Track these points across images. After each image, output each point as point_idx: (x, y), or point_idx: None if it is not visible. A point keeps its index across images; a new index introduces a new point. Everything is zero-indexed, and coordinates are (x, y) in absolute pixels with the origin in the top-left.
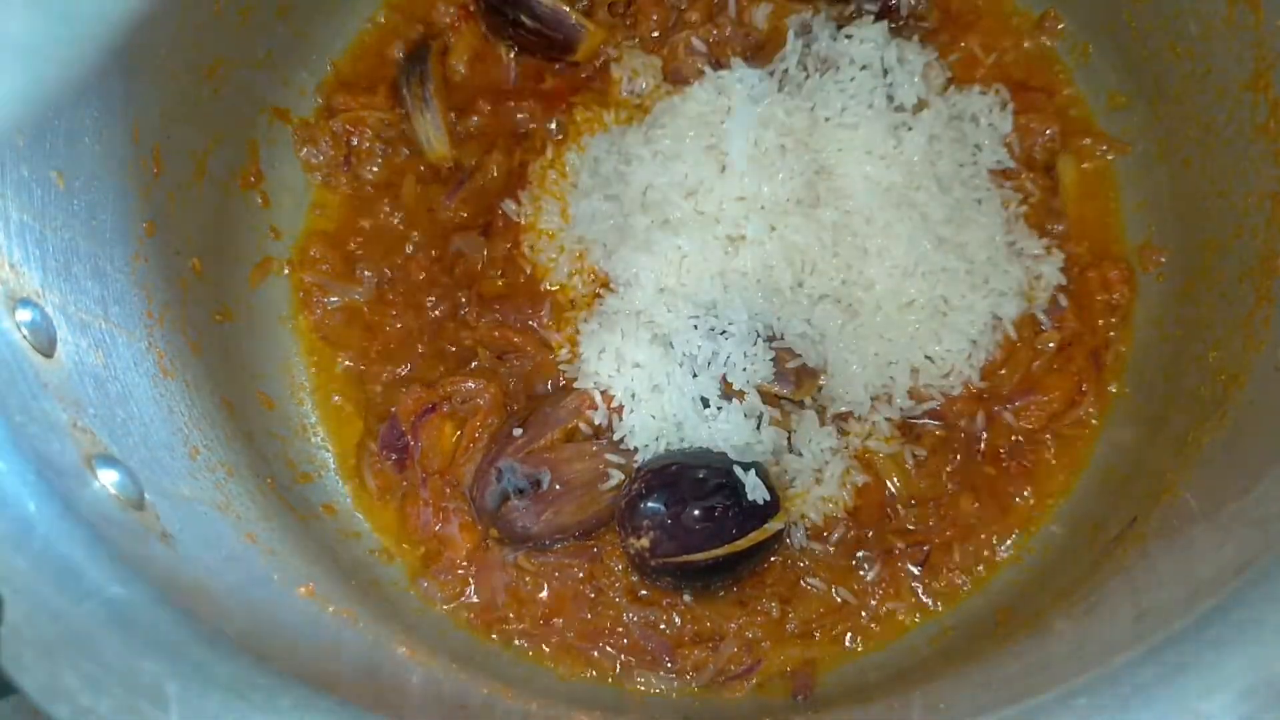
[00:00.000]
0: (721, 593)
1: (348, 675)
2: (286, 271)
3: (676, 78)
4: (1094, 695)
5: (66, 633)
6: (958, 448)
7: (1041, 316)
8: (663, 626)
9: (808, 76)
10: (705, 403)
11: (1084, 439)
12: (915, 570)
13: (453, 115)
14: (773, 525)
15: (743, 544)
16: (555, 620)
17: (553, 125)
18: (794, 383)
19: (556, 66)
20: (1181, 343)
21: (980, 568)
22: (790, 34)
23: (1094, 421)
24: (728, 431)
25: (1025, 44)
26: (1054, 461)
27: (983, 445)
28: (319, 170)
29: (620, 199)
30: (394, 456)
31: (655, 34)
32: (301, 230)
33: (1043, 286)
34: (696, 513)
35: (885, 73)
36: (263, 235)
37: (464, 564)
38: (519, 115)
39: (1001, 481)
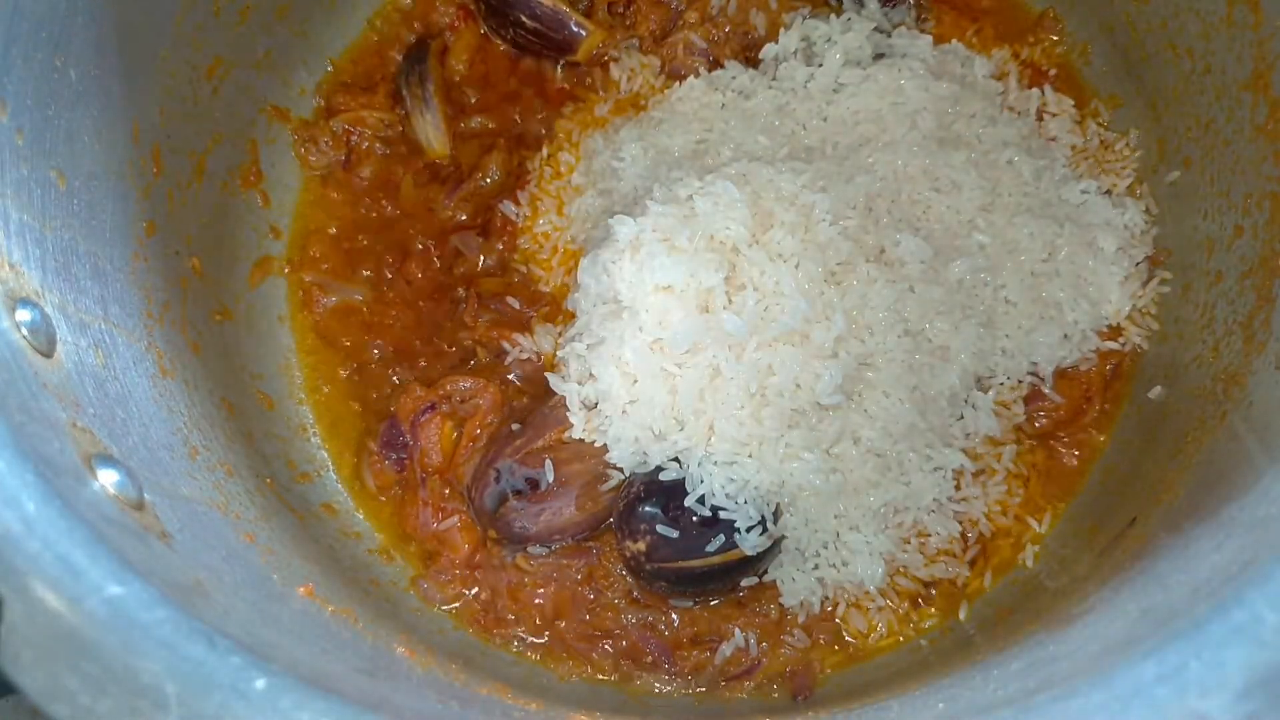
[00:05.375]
0: (715, 600)
1: (348, 675)
2: (286, 271)
3: (675, 76)
4: (1094, 695)
5: (66, 633)
6: None
7: None
8: (662, 628)
9: (807, 81)
10: None
11: (1088, 444)
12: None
13: (452, 115)
14: (774, 531)
15: (736, 554)
16: (554, 621)
17: (551, 125)
18: None
19: (556, 66)
20: (1181, 343)
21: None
22: (783, 31)
23: (1102, 436)
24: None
25: (1026, 43)
26: (1057, 465)
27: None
28: (319, 170)
29: (611, 194)
30: (393, 456)
31: (654, 34)
32: (301, 230)
33: None
34: (694, 518)
35: (876, 57)
36: (262, 235)
37: (463, 564)
38: (518, 115)
39: (1006, 484)
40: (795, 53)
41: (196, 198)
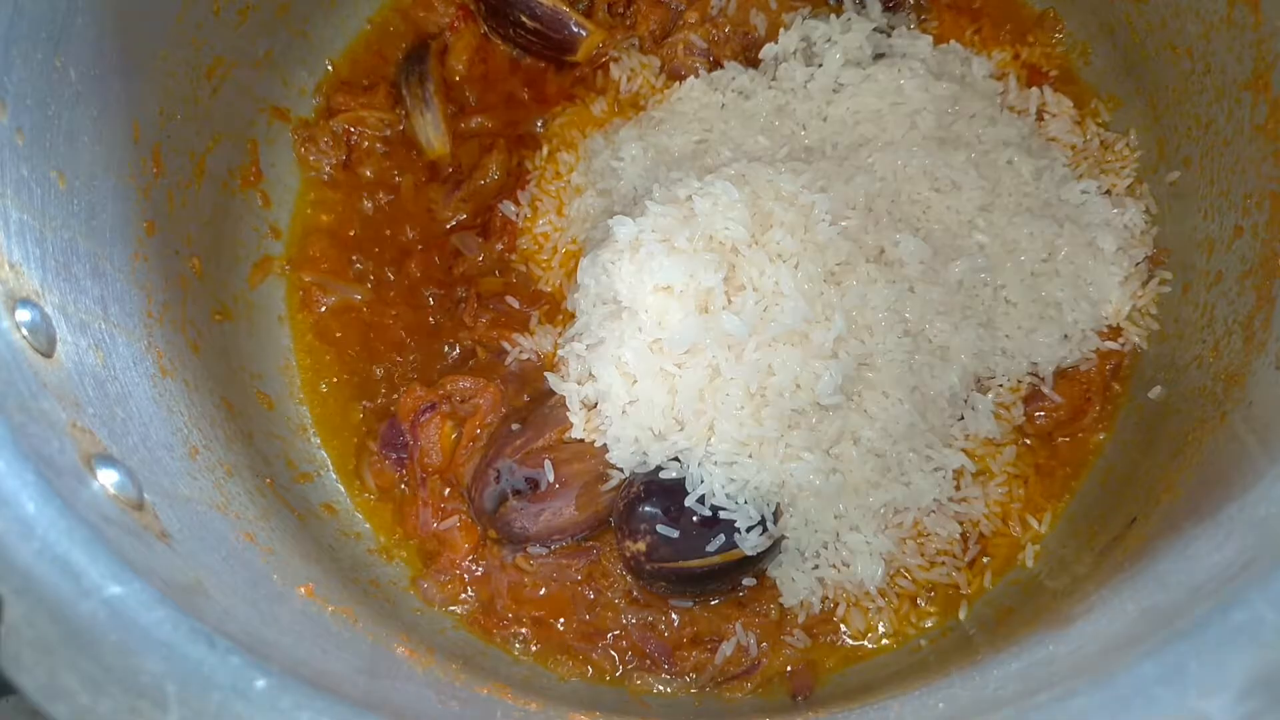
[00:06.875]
0: (715, 600)
1: (348, 675)
2: (286, 271)
3: (675, 76)
4: (1094, 695)
5: (66, 633)
6: None
7: None
8: (662, 628)
9: (807, 81)
10: None
11: (1088, 444)
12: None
13: (452, 115)
14: (774, 531)
15: (736, 554)
16: (554, 621)
17: (551, 125)
18: None
19: (556, 67)
20: (1181, 343)
21: (982, 568)
22: (783, 31)
23: (1102, 436)
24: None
25: (1026, 44)
26: (1057, 465)
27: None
28: (319, 170)
29: (611, 194)
30: (393, 456)
31: (654, 34)
32: (301, 230)
33: None
34: (695, 518)
35: (876, 57)
36: (262, 235)
37: (463, 564)
38: (518, 115)
39: (1006, 484)
40: (795, 53)
41: (196, 198)
